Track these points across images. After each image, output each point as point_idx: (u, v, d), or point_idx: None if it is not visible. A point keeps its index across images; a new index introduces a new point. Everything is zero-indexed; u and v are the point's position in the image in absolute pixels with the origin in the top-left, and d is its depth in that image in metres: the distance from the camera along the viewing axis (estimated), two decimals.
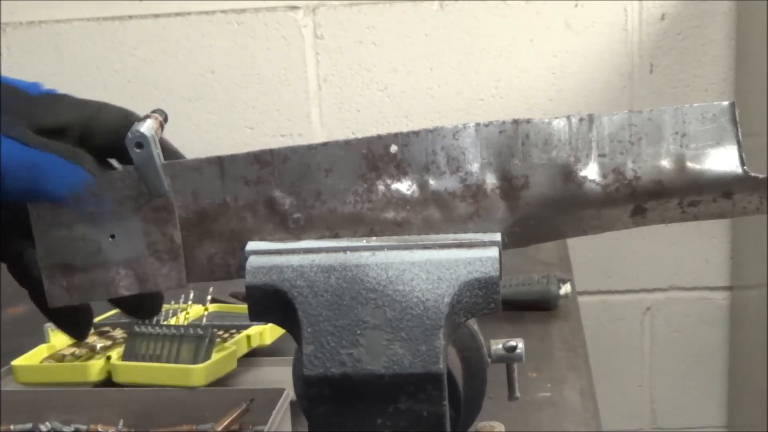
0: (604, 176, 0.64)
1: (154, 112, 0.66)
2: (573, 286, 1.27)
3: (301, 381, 0.63)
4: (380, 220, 0.65)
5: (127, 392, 0.97)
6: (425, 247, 0.63)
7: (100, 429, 0.93)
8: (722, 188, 0.63)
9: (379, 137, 0.65)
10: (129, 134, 0.63)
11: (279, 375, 1.00)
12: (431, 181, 0.65)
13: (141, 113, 0.67)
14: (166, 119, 0.66)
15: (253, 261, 0.64)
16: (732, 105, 0.64)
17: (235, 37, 1.75)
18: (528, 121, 0.64)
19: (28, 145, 0.64)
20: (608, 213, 0.65)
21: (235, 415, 0.92)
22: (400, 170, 0.65)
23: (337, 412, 0.62)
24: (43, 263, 0.65)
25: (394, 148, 0.65)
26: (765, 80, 1.51)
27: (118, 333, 1.10)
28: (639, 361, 1.89)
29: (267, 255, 0.64)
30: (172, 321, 1.09)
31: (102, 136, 0.67)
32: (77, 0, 1.74)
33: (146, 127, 0.63)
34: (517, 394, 0.76)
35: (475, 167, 0.65)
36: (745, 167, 0.63)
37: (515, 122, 0.65)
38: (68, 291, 0.66)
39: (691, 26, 1.72)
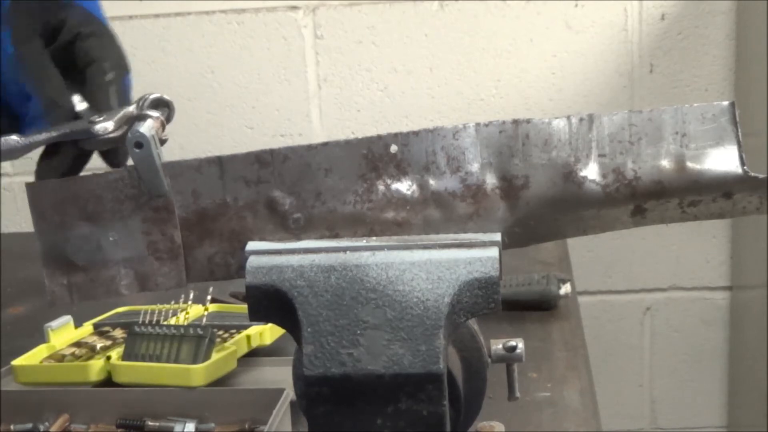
0: (604, 176, 0.64)
1: (157, 100, 0.66)
2: (573, 286, 1.26)
3: (301, 381, 0.63)
4: (380, 220, 0.65)
5: (127, 392, 0.97)
6: (425, 247, 0.63)
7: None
8: (722, 188, 0.63)
9: (379, 137, 0.65)
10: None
11: (279, 375, 1.00)
12: (431, 181, 0.65)
13: None
14: (171, 109, 0.66)
15: (253, 261, 0.64)
16: (732, 105, 0.64)
17: (235, 37, 1.75)
18: (528, 121, 0.64)
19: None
20: (608, 213, 0.65)
21: None
22: (400, 170, 0.65)
23: (337, 412, 0.62)
24: (44, 262, 0.66)
25: (394, 148, 0.65)
26: (765, 80, 1.51)
27: (118, 333, 1.10)
28: (639, 361, 1.89)
29: (267, 255, 0.64)
30: (172, 321, 1.09)
31: None
32: None
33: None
34: (517, 394, 0.76)
35: (475, 167, 0.65)
36: (745, 167, 0.63)
37: (515, 122, 0.65)
38: (69, 290, 0.66)
39: (691, 26, 1.71)
